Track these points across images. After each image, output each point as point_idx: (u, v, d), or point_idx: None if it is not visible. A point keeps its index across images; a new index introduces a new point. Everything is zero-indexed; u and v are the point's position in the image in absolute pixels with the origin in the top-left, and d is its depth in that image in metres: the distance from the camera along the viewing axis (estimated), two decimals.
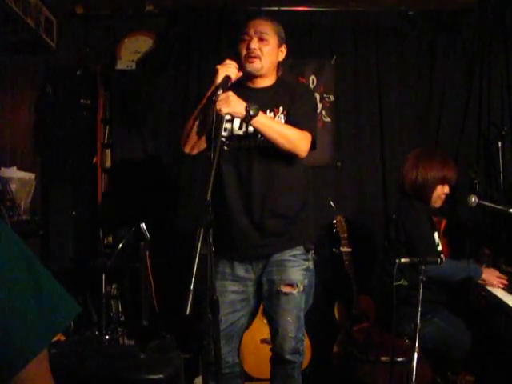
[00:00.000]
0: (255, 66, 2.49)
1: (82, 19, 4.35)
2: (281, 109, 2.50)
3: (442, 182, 3.17)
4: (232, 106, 2.27)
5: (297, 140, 2.41)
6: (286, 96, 2.53)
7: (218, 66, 2.36)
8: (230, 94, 2.29)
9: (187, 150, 2.54)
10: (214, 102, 2.22)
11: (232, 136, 2.52)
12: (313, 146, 2.52)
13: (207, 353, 1.91)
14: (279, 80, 2.61)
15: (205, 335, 1.84)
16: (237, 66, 2.40)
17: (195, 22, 4.30)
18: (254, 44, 2.46)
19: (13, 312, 0.80)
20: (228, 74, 2.31)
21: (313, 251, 2.62)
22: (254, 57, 2.47)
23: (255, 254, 2.53)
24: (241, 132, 2.51)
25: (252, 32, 2.48)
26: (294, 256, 2.52)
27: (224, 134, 2.48)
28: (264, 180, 2.48)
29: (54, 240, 4.10)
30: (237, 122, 2.50)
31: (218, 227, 2.57)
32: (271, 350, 2.61)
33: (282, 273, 2.49)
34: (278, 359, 2.56)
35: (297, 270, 2.51)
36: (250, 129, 2.46)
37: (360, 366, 3.11)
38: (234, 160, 2.50)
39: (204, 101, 2.40)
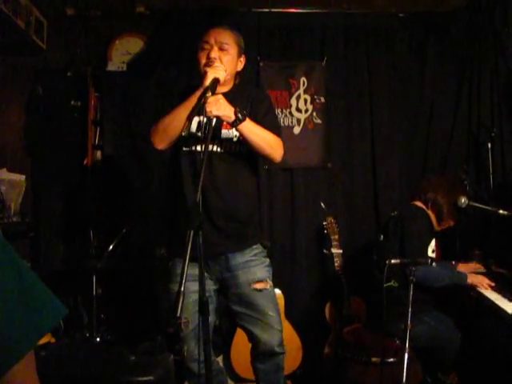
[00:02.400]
0: None
1: (72, 20, 4.35)
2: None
3: (454, 212, 3.34)
4: (222, 109, 2.28)
5: (276, 145, 2.46)
6: (242, 101, 2.53)
7: (207, 69, 2.36)
8: (220, 97, 2.30)
9: (160, 147, 2.49)
10: (203, 104, 2.21)
11: (189, 137, 2.50)
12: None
13: (182, 357, 1.90)
14: (235, 86, 2.62)
15: (176, 339, 1.84)
16: (225, 69, 2.40)
17: (186, 23, 4.29)
18: (215, 53, 2.46)
19: None
20: (217, 76, 2.32)
21: (267, 248, 2.71)
22: None
23: (212, 252, 2.48)
24: (199, 134, 2.46)
25: (213, 41, 2.48)
26: (255, 255, 2.58)
27: (183, 133, 2.47)
28: (219, 184, 2.50)
29: (45, 242, 4.09)
30: (194, 123, 2.48)
31: (174, 230, 2.57)
32: (253, 349, 2.66)
33: (249, 273, 2.54)
34: (266, 355, 2.60)
35: (262, 268, 2.58)
36: (210, 128, 2.45)
37: (351, 367, 3.12)
38: (193, 160, 2.49)
39: (190, 102, 2.35)
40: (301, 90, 4.35)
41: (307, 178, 4.33)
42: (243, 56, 2.61)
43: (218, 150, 2.50)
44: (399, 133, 4.40)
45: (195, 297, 2.48)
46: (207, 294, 2.52)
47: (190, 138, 2.50)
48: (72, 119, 4.28)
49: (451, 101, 4.37)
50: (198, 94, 2.32)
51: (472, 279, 3.13)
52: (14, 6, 3.59)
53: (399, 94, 4.41)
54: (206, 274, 2.51)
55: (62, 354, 2.71)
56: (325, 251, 3.87)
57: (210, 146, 2.46)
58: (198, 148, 2.47)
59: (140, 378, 2.49)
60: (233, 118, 2.30)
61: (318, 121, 4.34)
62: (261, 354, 2.62)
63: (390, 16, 4.41)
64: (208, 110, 2.21)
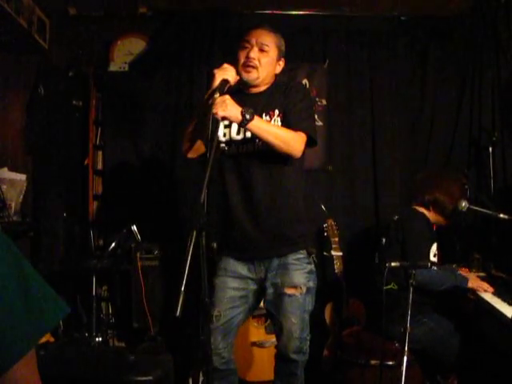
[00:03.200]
0: (251, 76, 2.49)
1: (74, 20, 4.35)
2: (276, 112, 2.51)
3: (451, 211, 3.30)
4: (228, 110, 2.27)
5: (291, 141, 2.41)
6: (280, 97, 2.54)
7: (216, 70, 2.35)
8: (227, 97, 2.29)
9: (189, 155, 2.56)
10: (211, 106, 2.21)
11: (230, 141, 2.55)
12: (311, 143, 2.52)
13: (202, 350, 1.91)
14: (273, 83, 2.61)
15: (201, 331, 1.85)
16: (234, 70, 2.40)
17: (188, 24, 4.30)
18: (254, 53, 2.46)
19: None
20: (225, 77, 2.31)
21: (314, 255, 2.66)
22: (252, 66, 2.47)
23: (259, 255, 2.57)
24: (239, 138, 2.52)
25: (253, 41, 2.48)
26: (298, 260, 2.56)
27: (223, 139, 2.54)
28: (265, 185, 2.51)
29: (45, 241, 4.08)
30: (234, 128, 2.52)
31: (222, 229, 2.63)
32: (276, 347, 2.67)
33: (286, 276, 2.53)
34: (282, 357, 2.62)
35: (300, 273, 2.55)
36: (248, 134, 2.48)
37: (350, 370, 3.12)
38: (235, 166, 2.53)
39: (201, 106, 2.40)
40: None
41: (308, 180, 4.31)
42: (282, 59, 2.61)
43: (251, 149, 2.51)
44: (400, 136, 4.40)
45: (232, 293, 2.56)
46: (243, 294, 2.60)
47: (231, 143, 2.54)
48: (73, 119, 4.28)
49: (453, 105, 4.37)
50: (206, 96, 2.34)
51: (472, 283, 3.13)
52: (16, 5, 3.59)
53: (400, 98, 4.41)
54: (249, 274, 2.59)
55: (61, 354, 2.71)
56: (325, 253, 3.87)
57: (244, 147, 2.51)
58: (239, 150, 2.53)
59: (139, 378, 2.50)
60: (240, 118, 2.29)
61: (320, 123, 4.34)
62: (279, 353, 2.65)
63: (392, 19, 4.42)
64: (214, 111, 2.20)
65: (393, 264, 2.63)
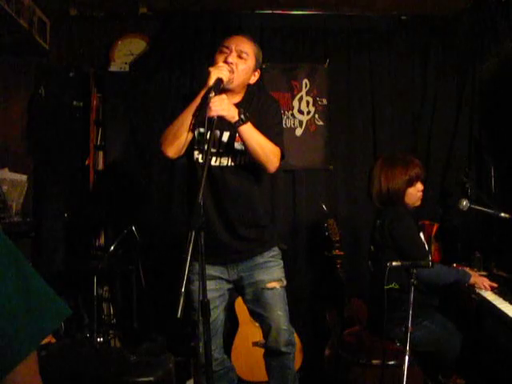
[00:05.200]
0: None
1: (75, 21, 4.35)
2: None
3: (410, 183, 3.15)
4: (227, 108, 2.28)
5: (271, 155, 2.44)
6: (254, 111, 2.53)
7: (211, 68, 2.35)
8: (224, 97, 2.29)
9: (170, 154, 2.49)
10: (207, 104, 2.21)
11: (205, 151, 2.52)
12: (282, 157, 2.55)
13: (197, 354, 1.93)
14: (246, 96, 2.61)
15: (193, 337, 1.86)
16: (229, 69, 2.39)
17: (189, 24, 4.30)
18: (232, 58, 2.45)
19: (1, 314, 0.80)
20: (220, 76, 2.31)
21: (284, 250, 2.81)
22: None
23: (234, 258, 2.62)
24: (213, 150, 2.52)
25: (233, 47, 2.48)
26: (273, 256, 2.68)
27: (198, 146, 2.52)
28: (238, 194, 2.55)
29: (46, 242, 4.09)
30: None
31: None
32: (264, 345, 2.71)
33: (266, 273, 2.62)
34: (273, 353, 2.66)
35: (278, 269, 2.67)
36: (223, 142, 2.50)
37: (351, 370, 3.11)
38: (208, 173, 2.50)
39: (195, 103, 2.38)
40: (303, 92, 4.35)
41: (309, 179, 4.33)
42: (258, 71, 2.60)
43: (231, 163, 2.53)
44: (401, 135, 4.40)
45: (211, 295, 2.54)
46: (221, 293, 2.63)
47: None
48: (74, 119, 4.28)
49: (453, 103, 4.37)
50: (201, 94, 2.33)
51: (474, 279, 3.12)
52: (17, 5, 3.59)
53: (401, 97, 4.41)
54: (222, 276, 2.63)
55: (62, 355, 2.71)
56: (326, 253, 3.87)
57: (224, 161, 2.52)
58: (213, 162, 2.52)
59: (140, 379, 2.50)
60: (236, 118, 2.31)
61: (320, 123, 4.35)
62: (269, 350, 2.68)
63: (392, 18, 4.42)
64: (213, 108, 2.20)
65: (394, 263, 2.62)
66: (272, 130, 2.50)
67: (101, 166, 4.32)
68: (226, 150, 2.52)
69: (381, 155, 3.45)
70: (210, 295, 2.52)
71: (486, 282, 3.11)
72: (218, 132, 2.49)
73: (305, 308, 4.20)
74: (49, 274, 3.80)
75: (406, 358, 2.42)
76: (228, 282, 2.66)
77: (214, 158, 2.52)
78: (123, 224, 3.78)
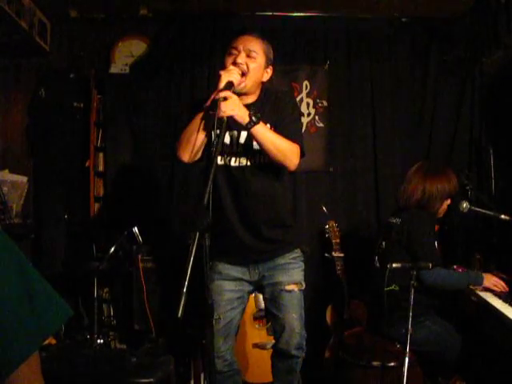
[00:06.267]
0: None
1: (75, 22, 4.36)
2: (268, 125, 2.47)
3: (449, 196, 3.18)
4: (237, 109, 2.26)
5: (289, 153, 2.42)
6: (270, 110, 2.52)
7: (221, 72, 2.32)
8: (235, 97, 2.27)
9: (185, 159, 2.47)
10: (218, 106, 2.19)
11: (223, 152, 2.52)
12: (301, 155, 2.53)
13: (208, 352, 1.92)
14: (261, 95, 2.58)
15: (204, 335, 1.86)
16: (240, 72, 2.37)
17: (189, 26, 4.30)
18: (241, 59, 2.42)
19: (3, 315, 0.80)
20: (231, 79, 2.29)
21: (306, 253, 2.75)
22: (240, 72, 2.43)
23: (256, 259, 2.60)
24: (232, 150, 2.51)
25: (241, 47, 2.45)
26: (294, 258, 2.63)
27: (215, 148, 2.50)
28: (259, 194, 2.52)
29: (46, 243, 4.09)
30: (227, 139, 2.50)
31: (217, 235, 2.64)
32: (274, 346, 2.70)
33: (286, 275, 2.59)
34: (282, 355, 2.65)
35: (298, 271, 2.64)
36: (241, 143, 2.48)
37: (351, 371, 3.11)
38: (226, 176, 2.52)
39: (204, 107, 2.35)
40: (303, 94, 4.36)
41: (309, 181, 4.33)
42: (270, 67, 2.57)
43: (249, 163, 2.51)
44: (401, 137, 4.40)
45: (229, 295, 2.58)
46: (240, 295, 2.63)
47: (224, 153, 2.52)
48: (74, 121, 4.29)
49: (453, 105, 4.37)
50: (212, 97, 2.32)
51: (488, 282, 3.08)
52: (17, 7, 3.60)
53: (401, 99, 4.42)
54: (243, 277, 2.62)
55: (62, 356, 2.71)
56: (326, 255, 3.87)
57: (244, 161, 2.50)
58: (233, 163, 2.51)
59: (140, 380, 2.50)
60: (247, 119, 2.29)
61: (321, 124, 4.35)
62: (278, 352, 2.67)
63: (392, 20, 4.42)
64: (223, 109, 2.19)
65: (394, 265, 2.62)
66: (289, 128, 2.48)
67: (101, 167, 4.32)
68: (245, 150, 2.49)
69: (425, 161, 3.45)
70: (228, 296, 2.57)
71: (501, 285, 3.08)
72: (235, 132, 2.47)
73: (305, 309, 4.18)
74: (49, 275, 3.75)
75: (407, 359, 2.43)
76: (249, 283, 2.64)
77: (233, 159, 2.50)
78: (124, 225, 3.77)
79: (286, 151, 2.41)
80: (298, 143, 2.47)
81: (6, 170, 3.80)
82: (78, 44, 4.39)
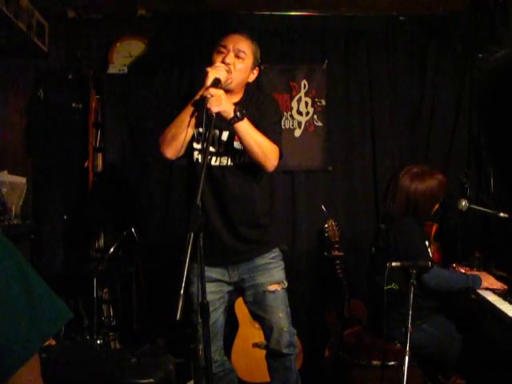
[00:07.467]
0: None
1: (73, 23, 4.35)
2: None
3: (439, 201, 3.17)
4: (223, 105, 2.26)
5: (269, 152, 2.42)
6: (253, 110, 2.53)
7: (208, 68, 2.35)
8: (221, 93, 2.28)
9: (169, 155, 2.49)
10: (204, 103, 2.20)
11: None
12: (280, 157, 2.53)
13: (196, 356, 1.93)
14: (245, 95, 2.60)
15: (192, 339, 1.86)
16: (227, 69, 2.39)
17: (187, 26, 4.30)
18: (230, 59, 2.44)
19: (3, 317, 0.80)
20: (218, 76, 2.30)
21: (286, 252, 2.82)
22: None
23: (234, 260, 2.61)
24: (213, 149, 2.51)
25: (230, 46, 2.47)
26: (274, 258, 2.66)
27: (197, 146, 2.51)
28: (238, 194, 2.54)
29: (45, 244, 4.09)
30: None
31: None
32: (266, 347, 2.71)
33: (267, 275, 2.61)
34: (275, 354, 2.66)
35: (279, 270, 2.67)
36: (223, 142, 2.49)
37: (351, 370, 3.11)
38: (208, 173, 2.49)
39: (191, 103, 2.37)
40: (302, 93, 4.36)
41: (308, 180, 4.33)
42: (257, 68, 2.60)
43: (231, 163, 2.52)
44: (400, 136, 4.40)
45: (211, 297, 2.51)
46: (221, 296, 2.62)
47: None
48: (73, 122, 4.28)
49: (452, 104, 4.37)
50: (199, 94, 2.33)
51: (486, 283, 3.07)
52: (15, 8, 3.60)
53: (400, 97, 4.42)
54: (223, 278, 2.62)
55: (62, 357, 2.71)
56: (325, 254, 3.87)
57: (224, 161, 2.51)
58: (213, 162, 2.51)
59: (140, 381, 2.50)
60: (232, 114, 2.30)
61: (319, 123, 4.35)
62: (271, 352, 2.69)
63: (390, 19, 4.42)
64: (209, 106, 2.19)
65: (393, 264, 2.62)
66: (270, 129, 2.49)
67: (100, 167, 4.32)
68: (226, 149, 2.51)
69: (408, 166, 3.26)
70: (209, 297, 2.51)
71: (499, 285, 3.07)
72: (217, 131, 2.48)
73: (304, 309, 4.19)
74: (48, 276, 3.78)
75: (406, 358, 2.42)
76: (228, 284, 2.65)
77: (213, 158, 2.51)
78: (123, 226, 3.77)
79: (267, 150, 2.41)
80: (277, 145, 2.48)
81: (5, 171, 3.80)
82: (76, 45, 4.39)
